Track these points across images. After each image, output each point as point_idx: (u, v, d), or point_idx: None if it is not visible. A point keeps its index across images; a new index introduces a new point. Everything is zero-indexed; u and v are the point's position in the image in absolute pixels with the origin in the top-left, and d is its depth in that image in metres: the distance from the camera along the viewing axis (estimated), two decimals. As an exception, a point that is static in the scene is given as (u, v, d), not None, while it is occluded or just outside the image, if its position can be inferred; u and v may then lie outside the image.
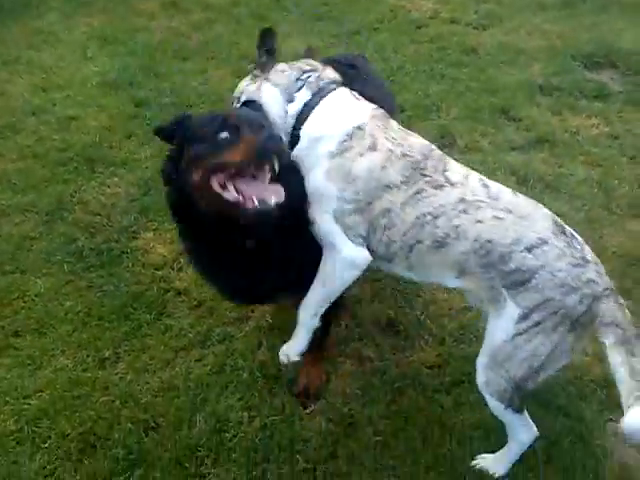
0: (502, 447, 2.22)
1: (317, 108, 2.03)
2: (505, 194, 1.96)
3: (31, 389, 2.48)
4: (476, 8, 5.34)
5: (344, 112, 2.02)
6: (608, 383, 2.45)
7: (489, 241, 1.86)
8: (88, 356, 2.60)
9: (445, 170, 1.97)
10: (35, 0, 5.43)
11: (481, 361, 1.98)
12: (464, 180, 1.96)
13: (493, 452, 2.24)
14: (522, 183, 3.44)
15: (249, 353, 2.60)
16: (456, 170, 2.00)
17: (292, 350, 2.22)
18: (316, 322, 2.13)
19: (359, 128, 1.96)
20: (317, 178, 1.97)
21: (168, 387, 2.49)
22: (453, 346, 2.63)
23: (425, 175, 1.94)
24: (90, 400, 2.44)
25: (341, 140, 1.95)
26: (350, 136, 1.95)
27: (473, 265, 1.90)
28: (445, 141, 3.74)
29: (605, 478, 2.21)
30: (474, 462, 2.24)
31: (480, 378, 1.99)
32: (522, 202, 1.97)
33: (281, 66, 2.16)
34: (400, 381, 2.50)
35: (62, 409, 2.40)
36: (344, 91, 2.09)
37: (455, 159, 3.29)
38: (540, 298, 1.82)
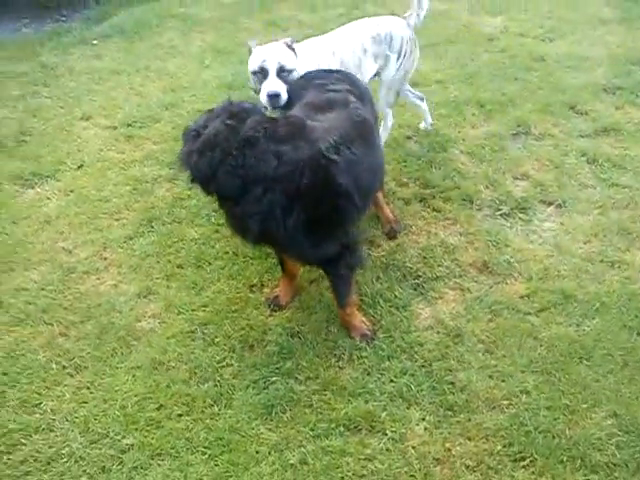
0: (585, 354, 2.76)
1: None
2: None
3: (197, 304, 3.12)
4: (542, 24, 5.91)
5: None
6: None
7: (376, 34, 3.57)
8: (239, 282, 3.23)
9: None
10: (154, 20, 6.33)
11: (382, 95, 3.79)
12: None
13: (580, 358, 2.76)
14: (592, 162, 3.97)
15: (370, 283, 3.18)
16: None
17: None
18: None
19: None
20: None
21: (306, 306, 3.10)
22: (540, 282, 3.15)
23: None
24: (245, 313, 3.07)
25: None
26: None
27: (377, 51, 3.58)
28: (521, 129, 4.31)
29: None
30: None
31: (382, 104, 3.82)
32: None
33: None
34: (496, 305, 3.04)
35: (224, 318, 3.04)
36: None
37: (531, 144, 3.95)
38: (399, 41, 3.61)
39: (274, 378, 2.75)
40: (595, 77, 4.95)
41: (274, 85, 3.06)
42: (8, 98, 5.06)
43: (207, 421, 2.60)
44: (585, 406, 2.58)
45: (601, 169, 3.89)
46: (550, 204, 3.67)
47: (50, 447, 2.52)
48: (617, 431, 2.48)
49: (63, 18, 6.82)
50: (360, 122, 2.77)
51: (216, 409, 2.65)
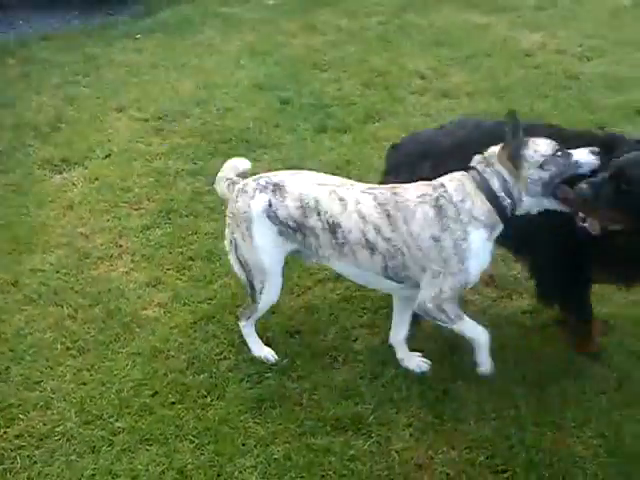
0: (580, 373, 2.73)
1: None
2: None
3: (203, 297, 3.20)
4: (582, 42, 5.84)
5: None
6: None
7: None
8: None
9: None
10: (197, 18, 6.50)
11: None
12: None
13: (575, 377, 2.73)
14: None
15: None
16: None
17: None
18: None
19: None
20: None
21: (308, 306, 3.14)
22: (544, 300, 3.13)
23: None
24: (248, 310, 3.13)
25: None
26: None
27: None
28: (547, 146, 4.27)
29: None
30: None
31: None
32: None
33: None
34: (498, 319, 3.02)
35: (227, 312, 3.10)
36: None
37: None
38: None
39: (268, 374, 2.80)
40: (630, 99, 4.85)
41: None
42: (49, 86, 5.28)
43: (198, 411, 2.66)
44: (573, 424, 2.55)
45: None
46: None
47: (45, 424, 2.60)
48: (602, 452, 2.44)
49: (111, 12, 7.04)
50: None
51: (208, 400, 2.70)
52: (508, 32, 6.17)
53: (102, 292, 3.22)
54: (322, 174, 2.73)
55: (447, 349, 2.89)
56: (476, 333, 2.63)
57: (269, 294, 2.75)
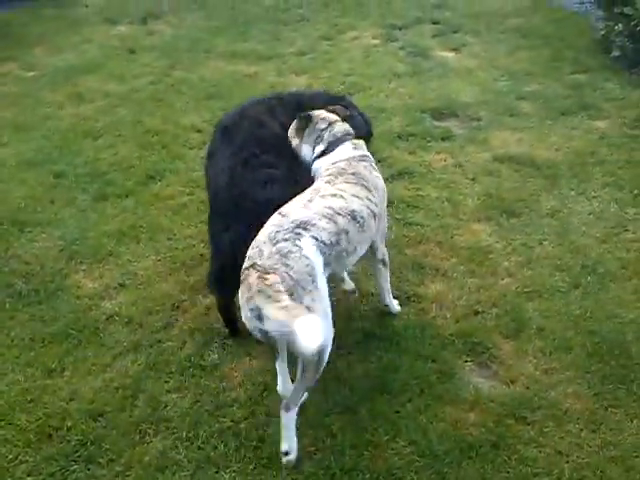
0: (385, 387, 2.86)
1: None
2: None
3: (-12, 400, 2.88)
4: (342, 80, 6.31)
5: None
6: (464, 334, 3.19)
7: None
8: (36, 370, 3.03)
9: None
10: (-55, 98, 5.98)
11: None
12: None
13: (381, 392, 2.86)
14: (388, 205, 4.22)
15: (177, 350, 3.13)
16: None
17: None
18: None
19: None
20: None
21: (109, 384, 2.96)
22: (345, 323, 3.26)
23: None
24: (42, 401, 2.87)
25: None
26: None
27: None
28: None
29: (465, 398, 2.86)
30: None
31: None
32: None
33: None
34: (302, 354, 3.09)
35: (18, 410, 2.82)
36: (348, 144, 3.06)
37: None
38: None
39: (74, 467, 2.59)
40: (391, 126, 5.32)
41: None
42: None
43: (-5, 533, 2.38)
44: (387, 438, 2.67)
45: (396, 210, 4.16)
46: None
47: None
48: (416, 457, 2.59)
49: None
50: None
51: (7, 517, 2.43)
52: (276, 78, 6.47)
53: None
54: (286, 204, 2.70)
55: (257, 395, 2.89)
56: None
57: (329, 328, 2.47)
